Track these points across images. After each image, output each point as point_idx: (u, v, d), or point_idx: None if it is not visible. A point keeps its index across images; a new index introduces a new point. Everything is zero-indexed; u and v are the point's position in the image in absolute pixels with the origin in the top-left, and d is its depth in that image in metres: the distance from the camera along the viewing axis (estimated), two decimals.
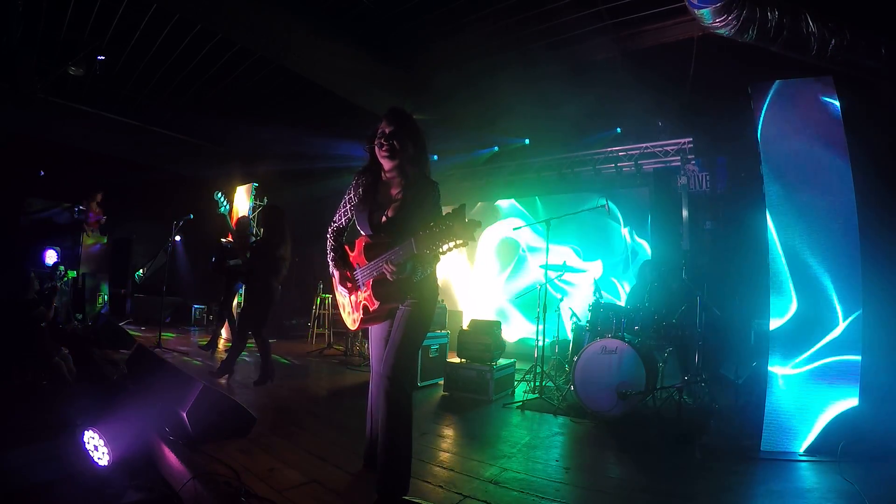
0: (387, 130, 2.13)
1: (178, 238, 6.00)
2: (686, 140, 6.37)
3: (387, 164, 2.18)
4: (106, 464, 2.15)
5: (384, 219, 2.18)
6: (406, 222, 2.08)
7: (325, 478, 2.42)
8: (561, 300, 5.34)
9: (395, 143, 2.11)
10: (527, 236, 7.77)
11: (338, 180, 8.85)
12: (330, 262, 2.34)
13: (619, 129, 6.78)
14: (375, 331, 2.36)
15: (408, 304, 2.19)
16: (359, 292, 2.23)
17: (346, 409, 3.90)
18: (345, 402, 4.10)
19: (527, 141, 7.54)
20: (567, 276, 5.33)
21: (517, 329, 7.52)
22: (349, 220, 2.39)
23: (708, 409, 4.05)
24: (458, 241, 1.78)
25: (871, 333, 3.09)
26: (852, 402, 2.98)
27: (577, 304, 6.55)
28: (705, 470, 2.78)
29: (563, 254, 6.70)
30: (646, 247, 6.69)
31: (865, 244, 3.10)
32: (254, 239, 4.76)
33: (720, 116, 5.59)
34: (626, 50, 5.60)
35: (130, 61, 6.79)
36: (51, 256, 7.86)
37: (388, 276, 2.01)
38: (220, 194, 4.71)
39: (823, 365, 3.05)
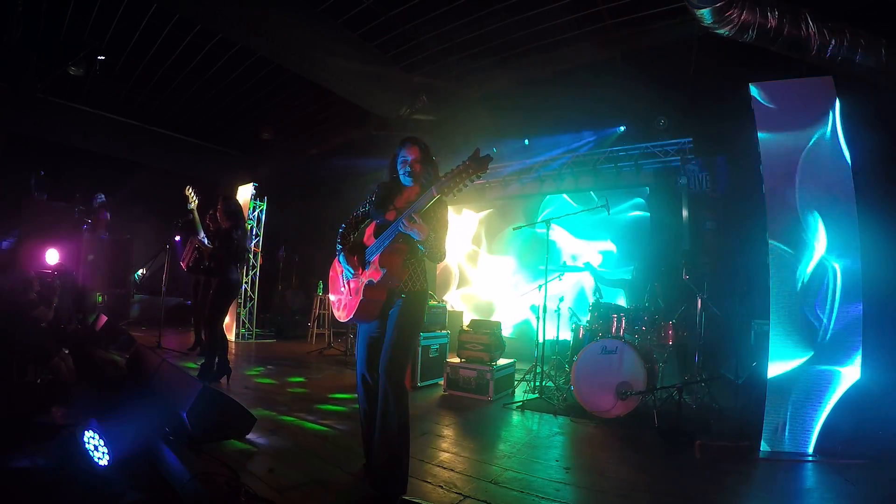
0: (409, 157, 2.37)
1: (177, 238, 5.97)
2: (686, 140, 6.37)
3: (406, 183, 2.40)
4: (106, 464, 2.15)
5: (396, 213, 2.34)
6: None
7: (325, 478, 2.42)
8: (561, 300, 5.33)
9: (416, 167, 2.37)
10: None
11: (339, 181, 8.87)
12: (338, 250, 2.48)
13: (621, 128, 6.75)
14: (363, 331, 2.41)
15: (407, 296, 2.31)
16: (363, 272, 2.33)
17: (346, 409, 3.90)
18: (345, 402, 4.10)
19: (526, 142, 7.54)
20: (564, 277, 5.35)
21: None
22: (365, 214, 2.53)
23: (708, 409, 4.05)
24: (473, 175, 2.03)
25: (870, 333, 3.09)
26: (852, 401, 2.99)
27: (577, 304, 6.57)
28: (705, 470, 2.78)
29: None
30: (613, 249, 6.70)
31: (865, 243, 3.10)
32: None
33: (720, 116, 5.59)
34: (626, 50, 5.60)
35: (130, 61, 6.79)
36: (51, 256, 7.85)
37: (407, 227, 2.12)
38: (191, 189, 4.61)
39: (822, 364, 3.05)
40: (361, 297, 2.29)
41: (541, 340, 4.67)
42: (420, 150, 2.38)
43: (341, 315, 2.45)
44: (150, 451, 2.33)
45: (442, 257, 2.33)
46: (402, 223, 2.14)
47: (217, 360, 4.31)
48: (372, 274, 2.28)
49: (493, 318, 7.04)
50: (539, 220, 5.48)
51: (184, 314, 8.99)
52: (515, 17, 5.44)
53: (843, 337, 3.04)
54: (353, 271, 2.37)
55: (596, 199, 6.64)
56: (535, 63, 6.16)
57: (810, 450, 3.01)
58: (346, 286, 2.44)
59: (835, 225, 3.15)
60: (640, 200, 6.96)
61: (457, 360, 4.62)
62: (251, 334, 7.91)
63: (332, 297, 2.57)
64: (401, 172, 2.39)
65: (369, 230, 2.40)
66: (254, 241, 8.09)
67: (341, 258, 2.43)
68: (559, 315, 5.21)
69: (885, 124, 3.93)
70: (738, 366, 4.33)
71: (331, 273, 2.59)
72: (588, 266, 6.98)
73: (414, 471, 2.53)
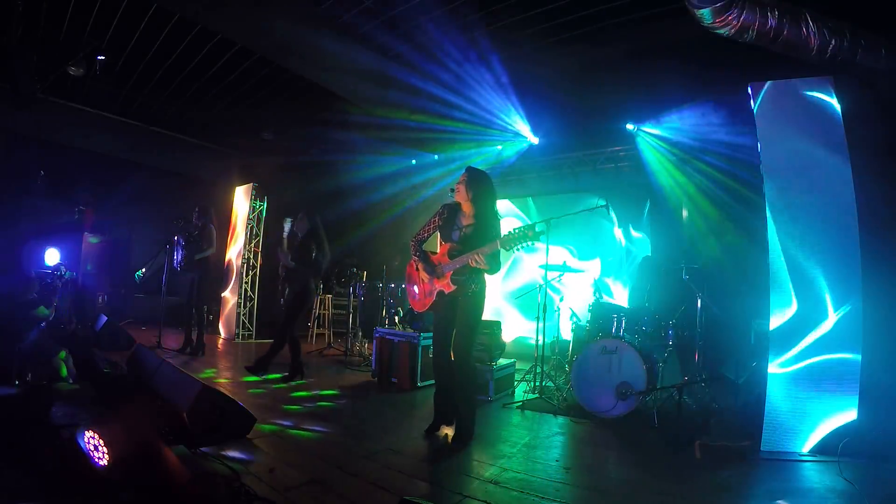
0: (461, 180, 3.15)
1: (177, 238, 5.99)
2: (686, 140, 6.36)
3: (459, 200, 3.18)
4: (106, 464, 2.14)
5: (461, 233, 3.15)
6: (476, 237, 3.05)
7: (325, 478, 2.42)
8: (561, 300, 5.33)
9: (467, 189, 3.12)
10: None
11: (340, 181, 8.87)
12: (416, 261, 3.29)
13: (628, 125, 6.68)
14: (437, 317, 3.24)
15: (470, 295, 3.06)
16: (437, 281, 3.14)
17: (346, 408, 3.91)
18: (344, 402, 4.10)
19: (529, 142, 7.53)
20: (565, 277, 5.35)
21: (514, 328, 7.55)
22: (430, 235, 3.32)
23: (708, 409, 4.05)
24: (530, 243, 2.73)
25: (871, 333, 3.09)
26: (852, 401, 2.99)
27: (576, 304, 6.57)
28: (705, 470, 2.78)
29: (559, 254, 6.70)
30: (637, 242, 6.70)
31: (865, 243, 3.10)
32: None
33: (720, 116, 5.59)
34: (626, 50, 5.59)
35: (130, 61, 6.78)
36: (51, 256, 7.85)
37: (473, 263, 2.93)
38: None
39: (822, 363, 3.05)
40: (434, 299, 3.16)
41: (541, 341, 4.67)
42: (466, 175, 3.14)
43: (416, 307, 3.34)
44: (150, 451, 2.33)
45: (498, 271, 3.10)
46: (472, 260, 2.92)
47: (271, 355, 4.70)
48: (445, 286, 3.09)
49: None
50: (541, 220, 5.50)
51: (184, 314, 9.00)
52: (517, 17, 5.43)
53: (845, 332, 3.05)
54: (431, 275, 3.15)
55: (596, 199, 6.65)
56: (537, 63, 6.14)
57: (810, 449, 3.01)
58: (422, 286, 3.26)
59: (834, 223, 3.16)
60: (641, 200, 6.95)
61: None
62: (251, 334, 7.91)
63: (410, 289, 3.41)
64: (456, 189, 3.18)
65: (443, 249, 3.16)
66: (254, 241, 8.10)
67: (424, 265, 3.18)
68: (559, 315, 5.21)
69: (885, 124, 3.93)
70: (738, 366, 4.33)
71: (408, 270, 3.41)
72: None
73: (414, 471, 2.54)
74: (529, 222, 6.59)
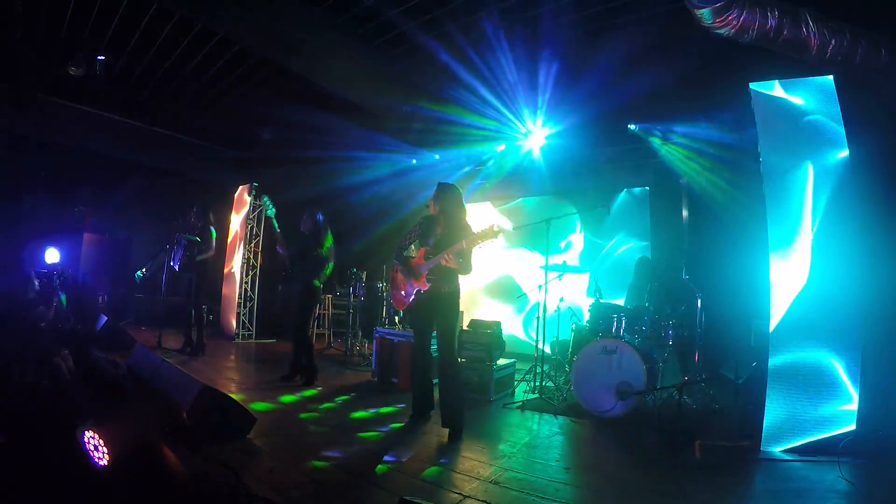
0: (433, 194, 3.60)
1: (178, 238, 6.00)
2: (686, 139, 6.35)
3: (433, 213, 3.59)
4: (106, 464, 2.14)
5: (435, 240, 3.50)
6: (446, 241, 3.38)
7: (325, 478, 2.42)
8: (561, 300, 5.33)
9: (431, 203, 3.60)
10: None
11: (339, 181, 8.86)
12: (397, 266, 3.66)
13: (630, 125, 6.65)
14: (414, 320, 3.69)
15: (444, 294, 3.41)
16: (415, 281, 3.50)
17: (346, 408, 3.90)
18: (345, 402, 4.10)
19: (528, 142, 7.53)
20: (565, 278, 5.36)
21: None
22: (409, 244, 3.75)
23: (708, 409, 4.05)
24: (490, 241, 3.12)
25: (871, 332, 3.09)
26: (851, 400, 2.99)
27: (576, 304, 6.56)
28: (705, 470, 2.78)
29: (534, 258, 6.71)
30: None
31: (866, 243, 3.10)
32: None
33: (721, 116, 5.59)
34: (626, 50, 5.59)
35: (130, 61, 6.78)
36: (51, 256, 7.86)
37: (444, 262, 3.30)
38: (266, 198, 5.31)
39: (821, 361, 3.05)
40: (413, 298, 3.51)
41: (541, 340, 4.67)
42: (435, 190, 3.59)
43: (398, 306, 3.71)
44: (150, 451, 2.33)
45: (469, 272, 3.42)
46: (443, 259, 3.29)
47: (305, 361, 4.72)
48: (421, 284, 3.47)
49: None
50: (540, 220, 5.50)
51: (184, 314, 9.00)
52: (518, 17, 5.43)
53: (842, 332, 3.04)
54: (409, 276, 3.52)
55: (595, 199, 6.66)
56: (540, 62, 6.14)
57: (811, 449, 3.01)
58: (404, 286, 3.60)
59: (834, 226, 3.16)
60: (640, 200, 6.95)
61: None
62: (251, 334, 7.91)
63: (393, 291, 3.73)
64: (430, 203, 3.60)
65: (421, 253, 3.55)
66: (254, 241, 8.10)
67: (404, 268, 3.58)
68: (559, 315, 5.21)
69: (885, 124, 3.92)
70: (738, 366, 4.32)
71: (391, 274, 3.79)
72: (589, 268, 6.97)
73: (414, 470, 2.55)
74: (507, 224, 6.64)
